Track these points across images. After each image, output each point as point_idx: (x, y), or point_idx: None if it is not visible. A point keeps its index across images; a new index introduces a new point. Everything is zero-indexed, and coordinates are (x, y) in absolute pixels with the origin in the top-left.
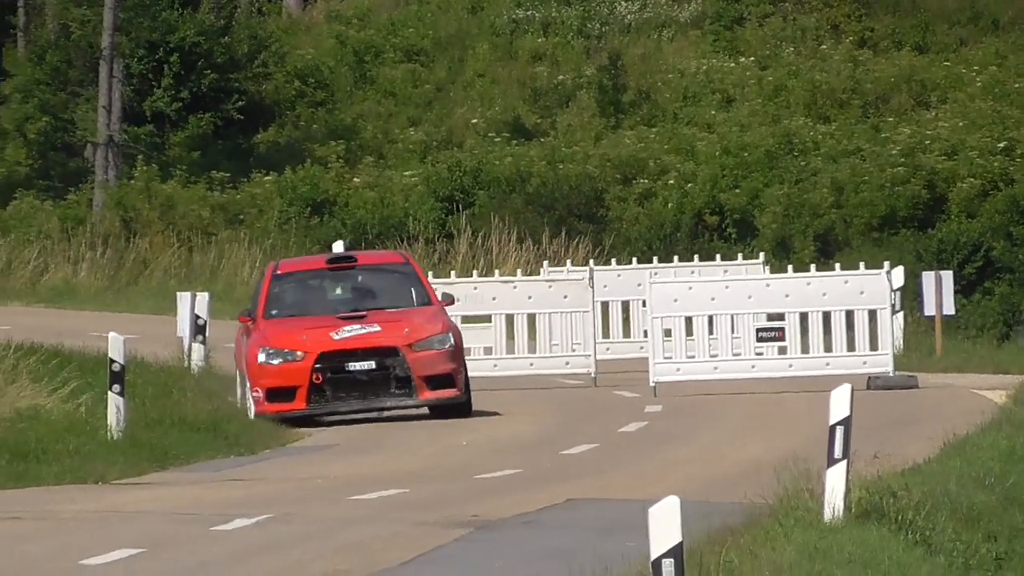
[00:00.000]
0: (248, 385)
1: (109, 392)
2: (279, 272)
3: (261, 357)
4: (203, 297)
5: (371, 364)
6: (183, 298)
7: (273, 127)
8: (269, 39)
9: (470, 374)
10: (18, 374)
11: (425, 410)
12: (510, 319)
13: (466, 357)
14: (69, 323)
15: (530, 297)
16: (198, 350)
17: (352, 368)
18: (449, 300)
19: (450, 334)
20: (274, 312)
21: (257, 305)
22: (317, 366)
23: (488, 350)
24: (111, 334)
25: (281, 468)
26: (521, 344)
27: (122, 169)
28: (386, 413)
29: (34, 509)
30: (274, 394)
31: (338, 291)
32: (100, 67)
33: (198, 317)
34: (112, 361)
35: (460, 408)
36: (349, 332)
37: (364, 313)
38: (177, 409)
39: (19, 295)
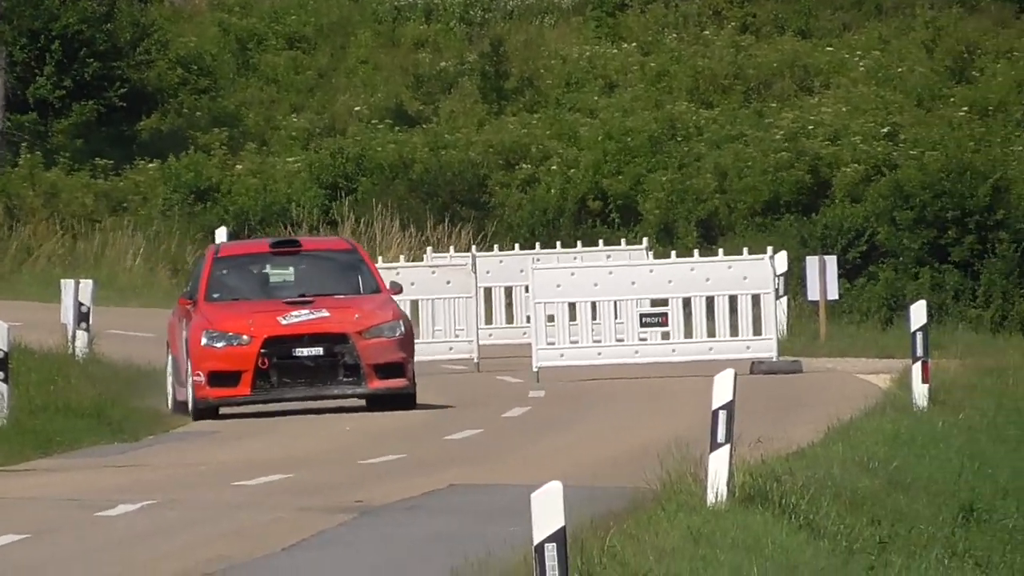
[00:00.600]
0: (188, 369)
1: None
2: (220, 255)
3: (204, 340)
4: (87, 284)
5: (319, 350)
6: (67, 285)
7: (156, 114)
8: (152, 27)
9: None
10: None
11: (363, 402)
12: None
13: None
14: None
15: (413, 283)
16: (82, 337)
17: (299, 354)
18: (398, 289)
19: (400, 322)
20: (215, 296)
21: (198, 288)
22: (263, 351)
23: None
24: None
25: (165, 454)
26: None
27: (5, 157)
28: (331, 403)
29: None
30: (217, 378)
31: (282, 276)
32: None
33: (82, 304)
34: None
35: (406, 399)
36: (297, 317)
37: (311, 299)
38: (61, 396)
39: None
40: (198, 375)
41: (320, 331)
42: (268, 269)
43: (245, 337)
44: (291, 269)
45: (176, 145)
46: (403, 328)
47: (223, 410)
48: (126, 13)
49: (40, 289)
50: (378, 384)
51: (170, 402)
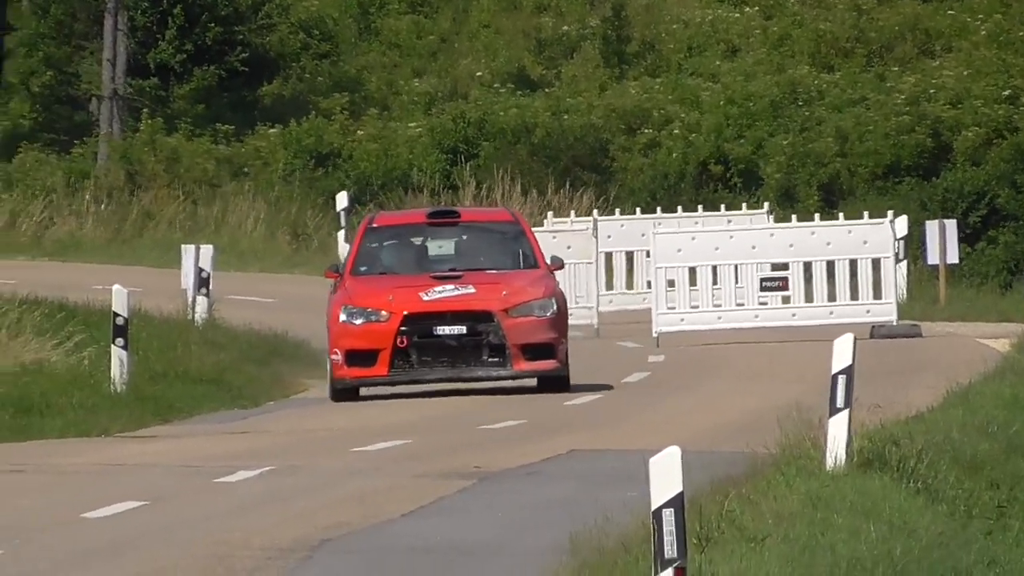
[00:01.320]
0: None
1: (113, 346)
2: (374, 225)
3: (342, 316)
4: (207, 250)
5: (462, 329)
6: (187, 251)
7: (277, 79)
8: None
9: None
10: (22, 328)
11: (522, 382)
12: None
13: None
14: (74, 277)
15: None
16: (202, 303)
17: (441, 332)
18: (559, 264)
19: (553, 300)
20: (363, 269)
21: (347, 260)
22: (402, 328)
23: None
24: (115, 287)
25: (284, 420)
26: None
27: (127, 122)
28: (476, 384)
29: (37, 462)
30: (354, 357)
31: (437, 249)
32: (104, 20)
33: (202, 270)
34: (116, 315)
35: (558, 382)
36: (440, 293)
37: (460, 273)
38: (181, 362)
39: (24, 249)
40: (335, 353)
41: (463, 308)
42: (423, 241)
43: (384, 313)
44: (449, 241)
45: (297, 110)
46: (556, 306)
47: (363, 391)
48: None
49: (160, 254)
50: (525, 366)
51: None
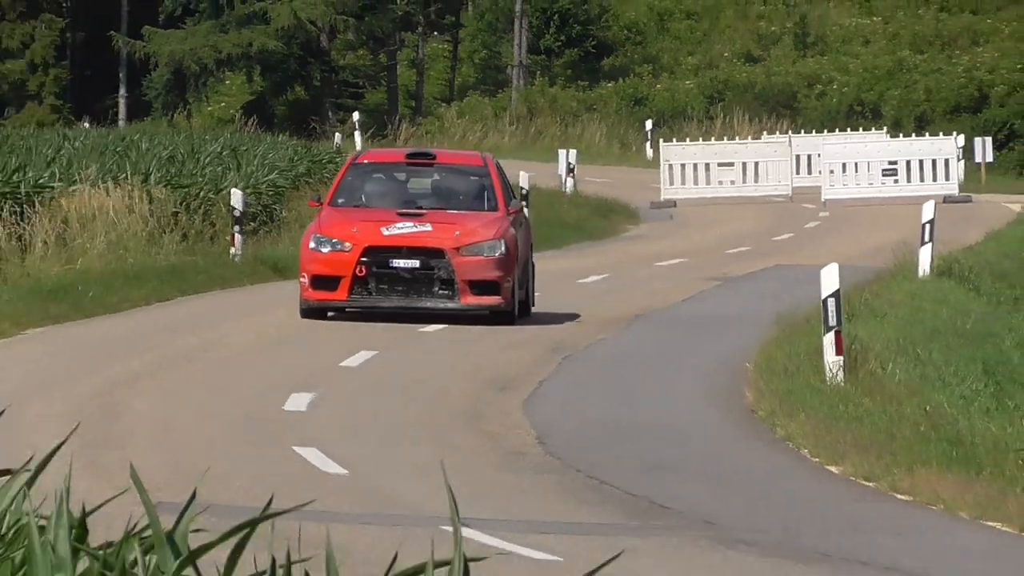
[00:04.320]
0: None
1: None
2: (358, 161)
3: (312, 244)
4: (572, 152)
5: (415, 263)
6: (562, 153)
7: (612, 56)
8: (609, 5)
9: (733, 191)
10: None
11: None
12: (746, 165)
13: (728, 179)
14: None
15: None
16: (569, 182)
17: (396, 265)
18: (518, 208)
19: (502, 241)
20: (340, 201)
21: (328, 192)
22: (362, 259)
23: (732, 182)
24: (521, 173)
25: (616, 248)
26: (751, 177)
27: (527, 80)
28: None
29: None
30: (318, 281)
31: (411, 187)
32: (515, 23)
33: (569, 163)
34: (521, 188)
35: (503, 316)
36: (400, 229)
37: (423, 212)
38: (556, 214)
39: (470, 149)
40: (303, 276)
41: (418, 245)
42: (402, 179)
43: (348, 244)
44: (422, 181)
45: (623, 73)
46: (504, 247)
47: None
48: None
49: (544, 155)
50: (472, 300)
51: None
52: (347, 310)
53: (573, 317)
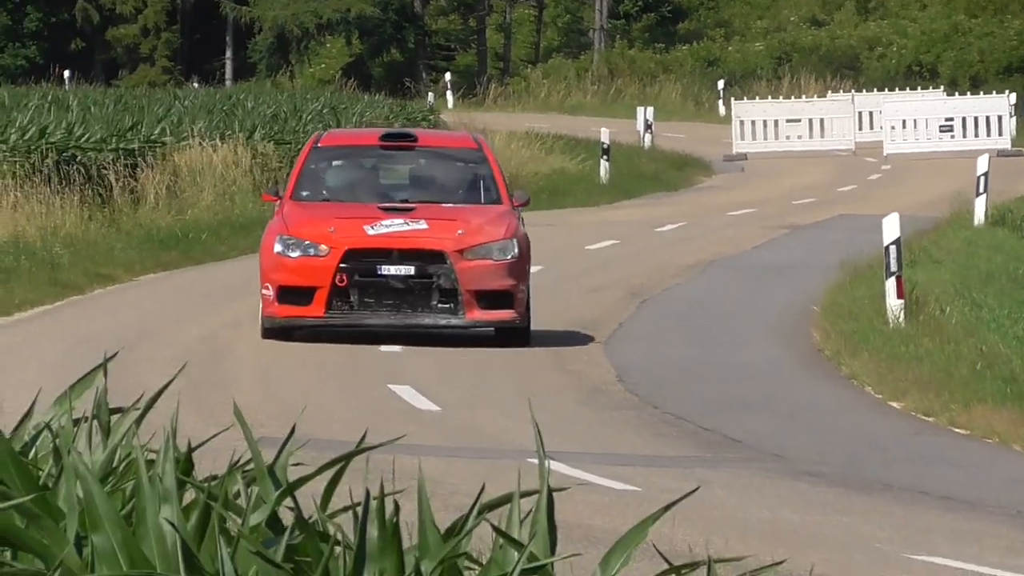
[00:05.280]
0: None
1: (601, 159)
2: (320, 144)
3: (277, 247)
4: (650, 109)
5: (410, 269)
6: (639, 110)
7: (685, 21)
8: None
9: (800, 146)
10: (554, 149)
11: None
12: (812, 122)
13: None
14: (579, 124)
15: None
16: (647, 138)
17: (385, 272)
18: (524, 200)
19: (514, 241)
20: (304, 194)
21: (288, 182)
22: (343, 265)
23: (800, 137)
24: (602, 129)
25: (691, 198)
26: (816, 132)
27: (607, 42)
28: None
29: (560, 220)
30: (287, 294)
31: (388, 176)
32: None
33: (647, 120)
34: (602, 143)
35: (516, 334)
36: (388, 227)
37: (413, 206)
38: (635, 167)
39: (553, 108)
40: (267, 288)
41: (413, 247)
42: (375, 166)
43: (324, 247)
44: (402, 169)
45: (697, 37)
46: (517, 249)
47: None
48: None
49: (624, 112)
50: (479, 315)
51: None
52: (321, 328)
53: (650, 263)
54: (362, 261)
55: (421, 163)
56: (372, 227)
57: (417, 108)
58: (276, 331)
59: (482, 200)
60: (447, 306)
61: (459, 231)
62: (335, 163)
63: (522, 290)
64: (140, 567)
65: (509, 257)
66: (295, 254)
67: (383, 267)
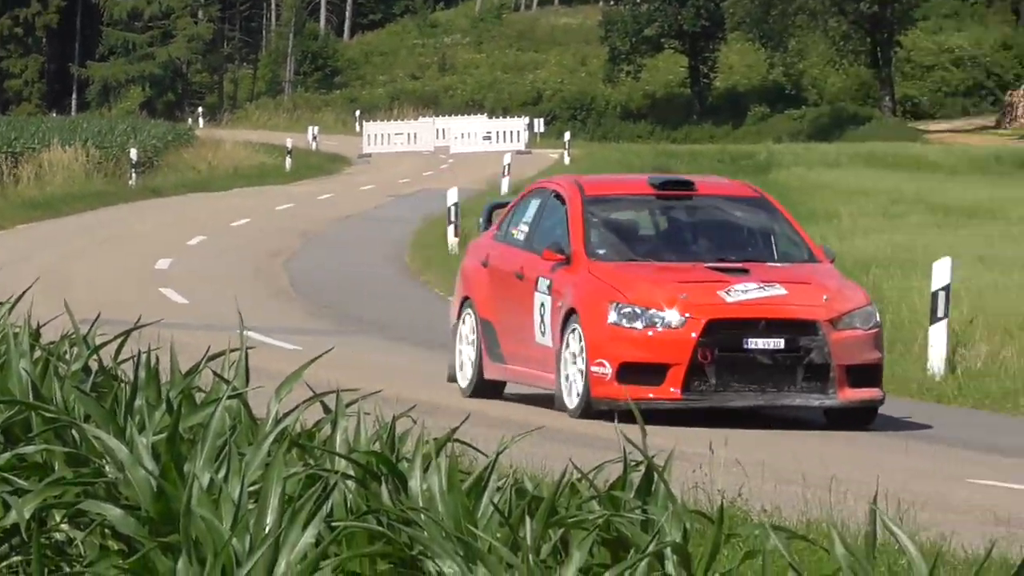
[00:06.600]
0: (583, 355)
1: (286, 157)
2: (588, 195)
3: (612, 316)
4: (317, 127)
5: (779, 343)
6: (310, 128)
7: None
8: None
9: (403, 148)
10: (259, 152)
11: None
12: (410, 133)
13: None
14: (276, 136)
15: None
16: (314, 144)
17: (752, 347)
18: (832, 256)
19: (874, 308)
20: (601, 252)
21: (566, 237)
22: (703, 339)
23: (402, 143)
24: (287, 139)
25: (338, 179)
26: (412, 140)
27: (293, 89)
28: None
29: (260, 193)
30: (631, 371)
31: (682, 229)
32: None
33: (315, 133)
34: (287, 147)
35: (870, 415)
36: (744, 292)
37: (745, 266)
38: (307, 161)
39: (261, 127)
40: (601, 364)
41: (782, 316)
42: (652, 219)
43: (677, 317)
44: (683, 220)
45: (344, 85)
46: (878, 317)
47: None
48: None
49: (301, 128)
50: (850, 394)
51: (468, 378)
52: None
53: (315, 215)
54: (725, 333)
55: (711, 214)
56: (728, 293)
57: (182, 127)
58: (604, 414)
59: (795, 257)
60: (816, 384)
61: (824, 296)
62: (614, 216)
63: (882, 364)
64: (7, 396)
65: (871, 325)
66: (639, 325)
67: (750, 340)
